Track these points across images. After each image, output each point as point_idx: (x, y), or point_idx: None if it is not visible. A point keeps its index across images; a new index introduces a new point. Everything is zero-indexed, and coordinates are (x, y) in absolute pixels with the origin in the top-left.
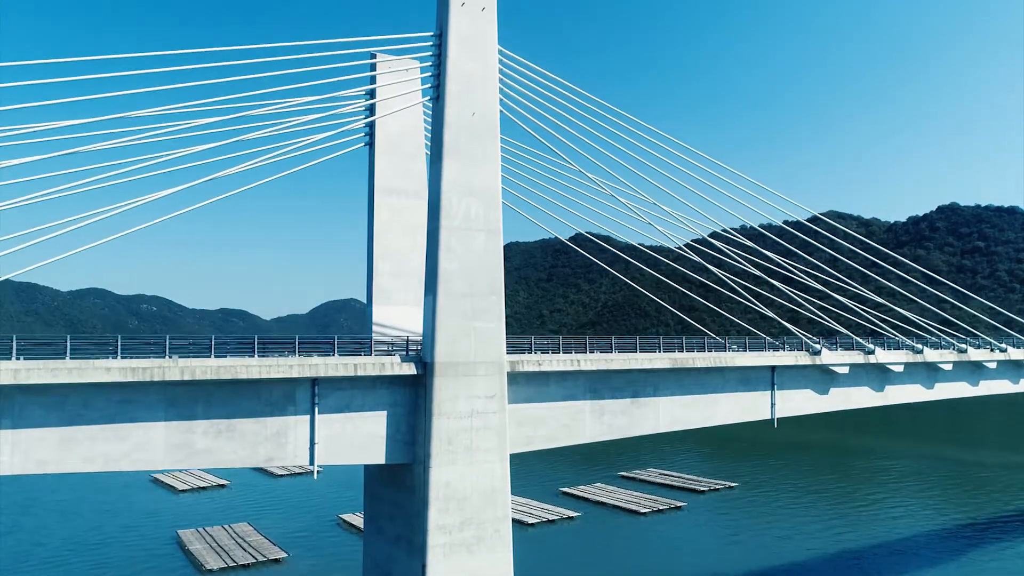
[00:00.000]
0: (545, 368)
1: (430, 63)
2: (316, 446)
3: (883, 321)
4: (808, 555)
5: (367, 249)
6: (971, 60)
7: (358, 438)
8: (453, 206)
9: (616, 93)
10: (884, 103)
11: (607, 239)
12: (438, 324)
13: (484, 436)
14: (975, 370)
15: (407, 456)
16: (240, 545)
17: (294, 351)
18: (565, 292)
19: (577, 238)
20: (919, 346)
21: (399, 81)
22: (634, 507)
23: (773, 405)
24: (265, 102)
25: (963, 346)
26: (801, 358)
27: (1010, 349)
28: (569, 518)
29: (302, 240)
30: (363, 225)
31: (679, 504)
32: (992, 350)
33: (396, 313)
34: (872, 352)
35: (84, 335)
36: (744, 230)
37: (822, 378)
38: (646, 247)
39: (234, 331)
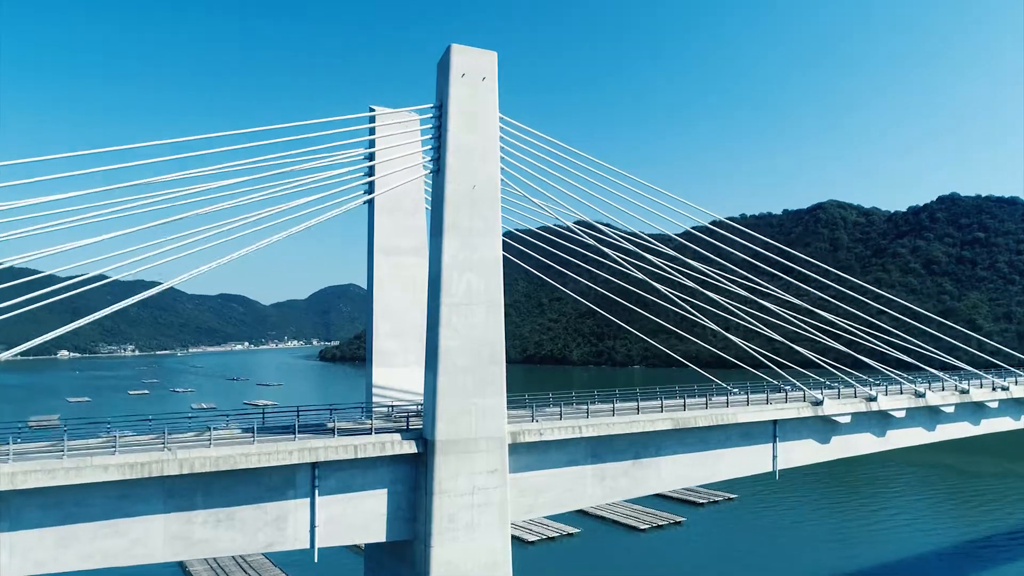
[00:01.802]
0: (547, 437)
1: (430, 124)
2: (317, 528)
3: (880, 353)
4: (810, 567)
5: (367, 307)
6: (976, 50)
7: (359, 517)
8: (453, 282)
9: (617, 82)
10: (887, 92)
11: (608, 227)
12: (439, 402)
13: (485, 512)
14: (977, 410)
15: (408, 533)
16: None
17: (295, 421)
18: (564, 280)
19: (578, 225)
20: (921, 389)
21: (398, 132)
22: (633, 523)
23: (775, 458)
24: (266, 164)
25: (965, 386)
26: (803, 410)
27: (1012, 387)
28: (569, 535)
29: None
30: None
31: (679, 519)
32: (994, 389)
33: (396, 375)
34: (875, 399)
35: (81, 418)
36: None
37: (824, 427)
38: (646, 235)
39: (233, 317)
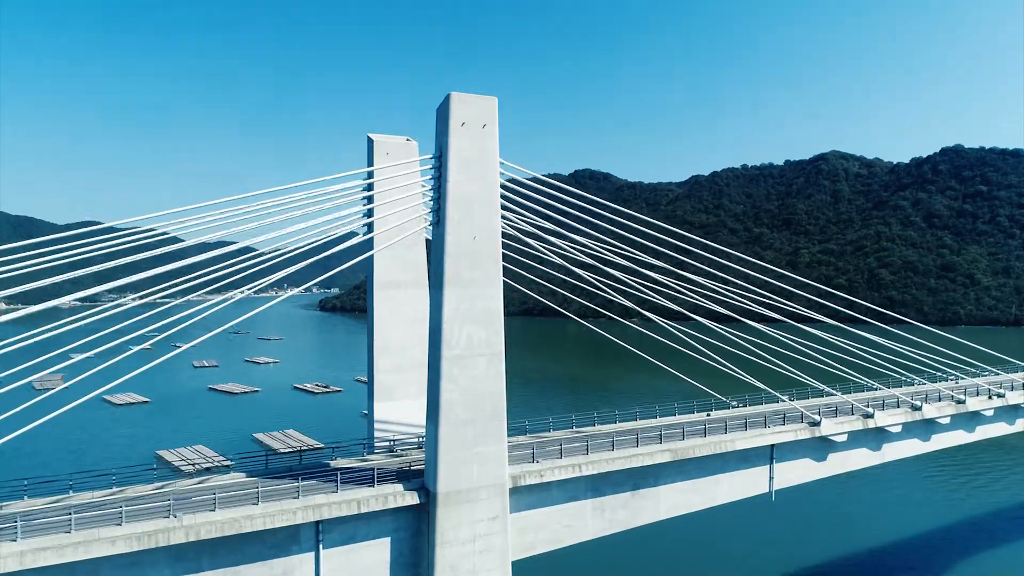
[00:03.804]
0: (547, 479)
1: (430, 165)
2: None
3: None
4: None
5: (367, 344)
6: None
7: (362, 567)
8: (454, 335)
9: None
10: (891, 37)
11: (606, 176)
12: (440, 453)
13: (487, 558)
14: (972, 418)
15: None
16: None
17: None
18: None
19: (576, 175)
20: (917, 403)
21: (398, 162)
22: None
23: (771, 479)
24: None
25: (961, 396)
26: (801, 432)
27: (1008, 393)
28: None
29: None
30: (362, 159)
31: None
32: (990, 396)
33: (397, 408)
34: (871, 416)
35: (87, 471)
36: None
37: (820, 445)
38: (645, 185)
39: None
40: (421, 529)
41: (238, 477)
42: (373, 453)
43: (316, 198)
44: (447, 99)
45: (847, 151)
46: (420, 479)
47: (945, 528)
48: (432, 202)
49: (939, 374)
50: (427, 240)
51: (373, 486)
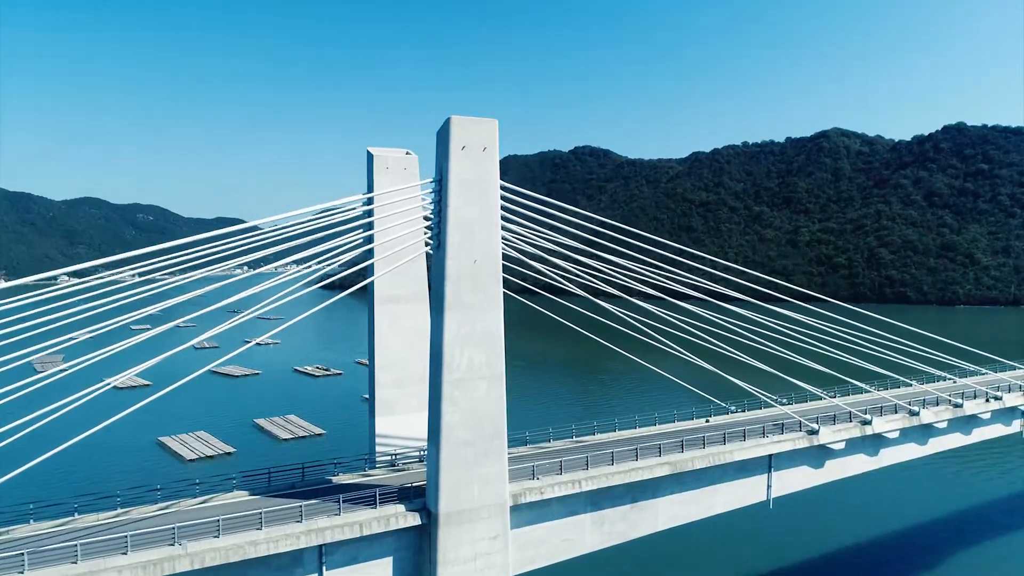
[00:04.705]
0: (547, 496)
1: (430, 189)
2: None
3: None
4: None
5: (368, 358)
6: None
7: None
8: (455, 358)
9: None
10: (897, 6)
11: (606, 153)
12: (441, 475)
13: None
14: (969, 421)
15: None
16: None
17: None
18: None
19: (576, 151)
20: (915, 408)
21: (397, 182)
22: None
23: (769, 487)
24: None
25: (959, 400)
26: (799, 441)
27: (1005, 396)
28: None
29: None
30: (360, 131)
31: None
32: (988, 399)
33: (398, 422)
34: (869, 423)
35: (90, 494)
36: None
37: (818, 453)
38: (646, 161)
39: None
40: (423, 548)
41: (241, 495)
42: (375, 468)
43: (320, 218)
44: (447, 123)
45: (849, 128)
46: (421, 499)
47: (941, 520)
48: (434, 226)
49: (937, 373)
50: (427, 254)
51: (375, 507)
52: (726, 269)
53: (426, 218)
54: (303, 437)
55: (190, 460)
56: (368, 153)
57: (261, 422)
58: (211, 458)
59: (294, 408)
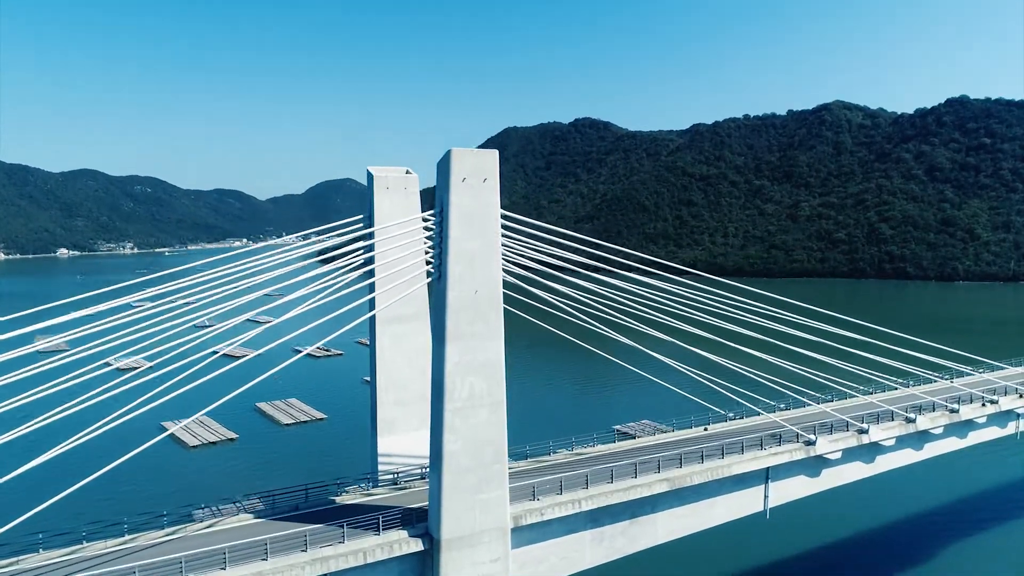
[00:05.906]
0: (548, 516)
1: (431, 221)
2: None
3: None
4: None
5: (370, 376)
6: None
7: None
8: (456, 387)
9: None
10: None
11: (607, 126)
12: (443, 501)
13: None
14: (965, 425)
15: None
16: None
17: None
18: (563, 182)
19: (577, 123)
20: (912, 415)
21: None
22: None
23: (766, 498)
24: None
25: (955, 406)
26: (796, 452)
27: (1001, 399)
28: None
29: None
30: (358, 102)
31: None
32: (984, 404)
33: (400, 441)
34: (866, 431)
35: (98, 522)
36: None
37: (815, 463)
38: (646, 134)
39: (229, 212)
40: (425, 573)
41: (246, 519)
42: (377, 487)
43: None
44: (447, 155)
45: (852, 101)
46: (424, 524)
47: (941, 520)
48: (435, 257)
49: (930, 375)
50: (428, 272)
51: (379, 533)
52: (721, 272)
53: (428, 239)
54: (305, 422)
55: (193, 447)
56: (368, 173)
57: (263, 406)
58: (214, 444)
59: (295, 391)
